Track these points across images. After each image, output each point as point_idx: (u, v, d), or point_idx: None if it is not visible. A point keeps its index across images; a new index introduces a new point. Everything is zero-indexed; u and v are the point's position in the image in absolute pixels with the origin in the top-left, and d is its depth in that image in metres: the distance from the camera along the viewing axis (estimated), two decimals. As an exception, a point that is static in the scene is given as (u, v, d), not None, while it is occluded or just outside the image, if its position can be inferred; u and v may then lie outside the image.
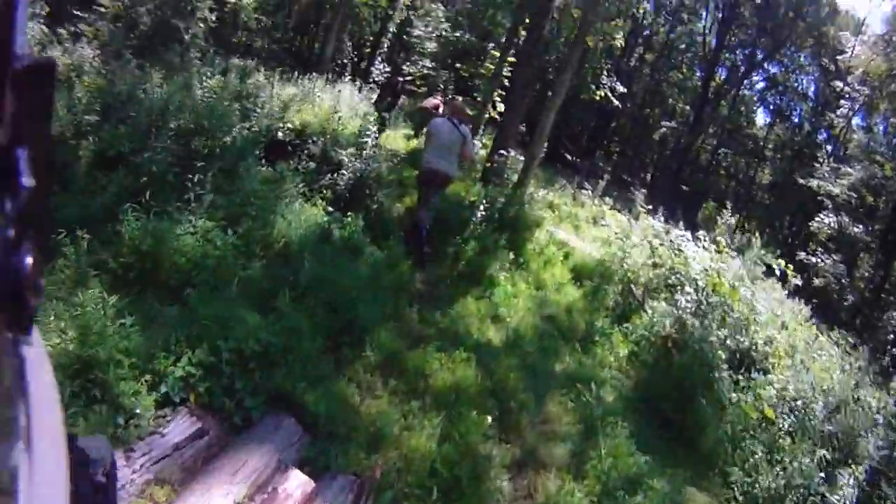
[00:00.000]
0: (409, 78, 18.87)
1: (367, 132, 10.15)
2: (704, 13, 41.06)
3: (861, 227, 27.26)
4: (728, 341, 8.39)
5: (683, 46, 41.83)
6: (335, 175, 9.25)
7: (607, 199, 20.02)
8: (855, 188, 28.32)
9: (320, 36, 27.98)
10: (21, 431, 0.64)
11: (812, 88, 40.46)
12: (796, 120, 41.44)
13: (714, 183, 44.15)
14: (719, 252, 10.39)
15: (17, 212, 0.61)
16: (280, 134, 10.21)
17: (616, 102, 18.76)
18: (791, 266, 12.26)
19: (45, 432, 0.70)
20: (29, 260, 0.62)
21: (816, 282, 24.93)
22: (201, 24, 16.96)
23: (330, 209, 8.45)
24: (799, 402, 7.83)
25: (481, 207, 10.06)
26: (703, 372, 7.62)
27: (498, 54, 19.03)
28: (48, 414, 0.75)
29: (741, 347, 8.74)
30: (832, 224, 26.89)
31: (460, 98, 11.29)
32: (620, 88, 19.03)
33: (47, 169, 0.75)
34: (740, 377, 7.99)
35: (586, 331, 8.82)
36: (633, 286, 10.22)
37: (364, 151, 9.77)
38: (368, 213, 8.90)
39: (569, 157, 34.35)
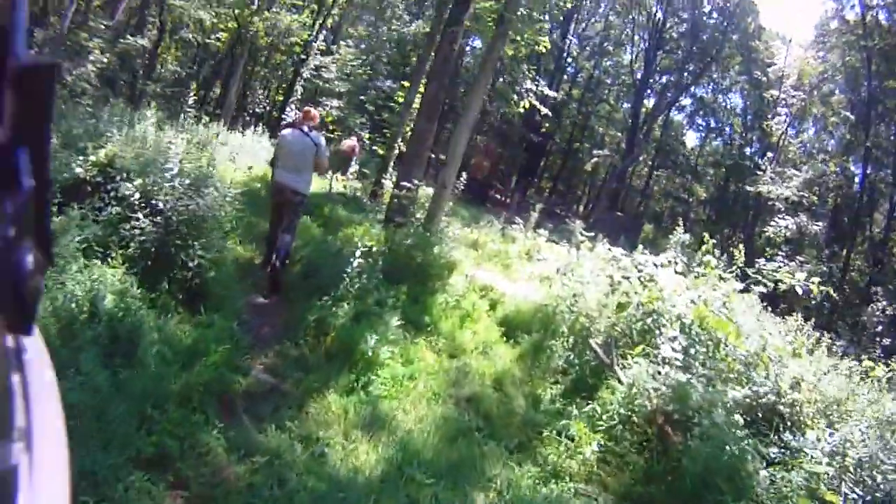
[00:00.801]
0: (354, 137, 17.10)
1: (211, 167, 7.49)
2: (629, 45, 40.72)
3: (820, 223, 26.56)
4: (746, 399, 5.52)
5: (609, 80, 41.44)
6: (137, 222, 6.04)
7: (542, 230, 17.00)
8: (804, 188, 27.73)
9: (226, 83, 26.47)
10: (21, 431, 0.64)
11: (740, 105, 40.41)
12: (727, 135, 41.47)
13: (648, 206, 43.71)
14: (703, 275, 7.50)
15: (17, 212, 0.59)
16: (79, 170, 6.78)
17: (545, 110, 15.89)
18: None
19: (45, 432, 0.69)
20: (29, 260, 0.61)
21: (783, 286, 22.38)
22: (90, 66, 16.50)
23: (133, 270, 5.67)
24: (866, 466, 4.83)
25: (356, 254, 7.05)
26: (723, 461, 4.58)
27: (408, 84, 16.75)
28: (48, 414, 0.73)
29: (762, 403, 5.80)
30: (790, 226, 25.38)
31: (314, 109, 8.82)
32: (550, 93, 16.22)
33: (47, 169, 0.68)
34: (773, 451, 5.05)
35: (528, 416, 5.70)
36: (591, 339, 6.97)
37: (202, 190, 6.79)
38: (179, 275, 6.05)
39: (499, 196, 31.94)
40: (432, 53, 12.93)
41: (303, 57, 25.72)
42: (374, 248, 7.84)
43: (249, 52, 24.91)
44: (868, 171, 28.98)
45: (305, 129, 7.78)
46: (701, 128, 43.27)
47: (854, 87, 30.65)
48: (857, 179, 30.19)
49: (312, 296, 6.82)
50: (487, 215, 19.58)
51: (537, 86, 15.27)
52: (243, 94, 28.88)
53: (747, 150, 38.23)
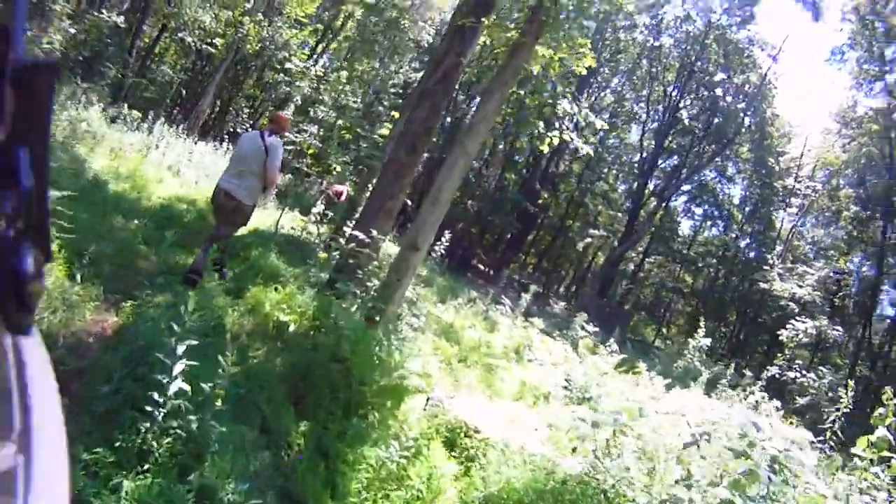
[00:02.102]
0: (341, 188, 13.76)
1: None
2: (637, 123, 38.33)
3: (840, 330, 23.75)
4: None
5: (610, 158, 38.35)
6: None
7: (533, 319, 13.29)
8: (819, 287, 25.92)
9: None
10: (20, 432, 0.63)
11: (738, 195, 38.35)
12: (721, 226, 39.27)
13: (633, 292, 40.87)
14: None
15: (17, 211, 0.60)
16: None
17: (579, 144, 12.32)
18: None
19: (45, 432, 0.67)
20: (29, 260, 0.61)
21: (801, 401, 19.68)
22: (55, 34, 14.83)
23: None
24: None
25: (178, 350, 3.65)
26: None
27: (398, 114, 13.72)
28: (48, 414, 0.70)
29: None
30: (809, 330, 22.10)
31: (285, 114, 7.97)
32: (597, 122, 12.64)
33: (47, 169, 0.67)
34: None
35: None
36: None
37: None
38: None
39: (482, 267, 28.35)
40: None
41: (297, 83, 23.22)
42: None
43: (239, 62, 23.92)
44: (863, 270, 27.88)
45: (266, 132, 6.69)
46: (697, 216, 40.75)
47: (862, 182, 29.26)
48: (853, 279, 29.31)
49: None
50: (468, 288, 15.86)
51: (578, 110, 11.37)
52: (226, 109, 26.98)
53: (742, 243, 36.64)
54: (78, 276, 5.06)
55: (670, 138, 35.28)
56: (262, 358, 5.50)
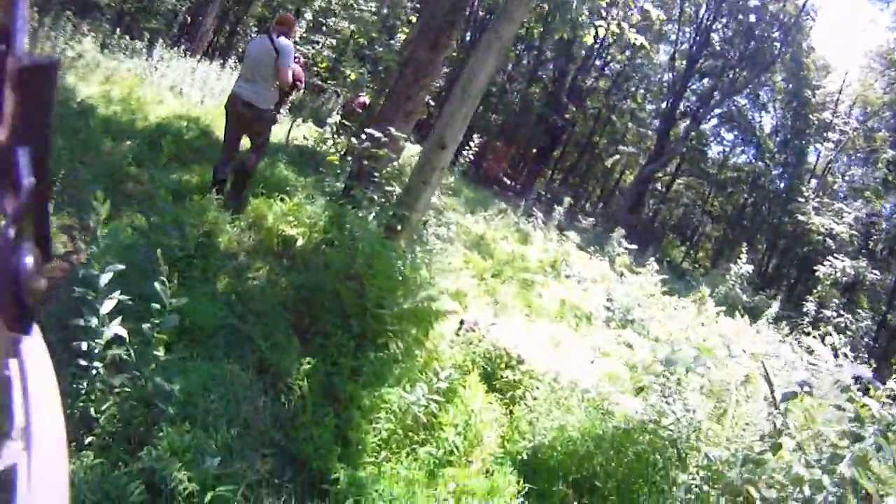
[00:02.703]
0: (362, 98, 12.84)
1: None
2: (668, 42, 35.82)
3: (878, 273, 22.45)
4: None
5: (638, 77, 36.95)
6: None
7: (570, 233, 12.25)
8: (856, 227, 24.59)
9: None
10: (20, 430, 0.63)
11: (772, 125, 36.16)
12: (752, 154, 37.22)
13: (660, 212, 39.77)
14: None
15: (17, 211, 0.59)
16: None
17: (631, 35, 11.20)
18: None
19: (45, 431, 0.67)
20: (29, 259, 0.59)
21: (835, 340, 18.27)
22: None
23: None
24: None
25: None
26: None
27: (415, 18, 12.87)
28: (48, 414, 0.71)
29: None
30: (847, 269, 20.79)
31: (290, 15, 7.23)
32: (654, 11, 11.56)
33: (47, 169, 0.65)
34: None
35: None
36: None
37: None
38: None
39: (508, 181, 27.28)
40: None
41: None
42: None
43: None
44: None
45: (275, 34, 6.21)
46: (727, 141, 38.75)
47: None
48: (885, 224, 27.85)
49: None
50: (497, 200, 14.83)
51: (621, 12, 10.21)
52: (234, 30, 25.77)
53: (774, 173, 34.86)
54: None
55: (702, 60, 33.38)
56: (265, 279, 4.58)
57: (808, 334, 9.05)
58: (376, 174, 6.14)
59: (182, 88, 12.58)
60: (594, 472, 3.46)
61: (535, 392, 3.99)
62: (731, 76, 32.36)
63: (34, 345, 0.71)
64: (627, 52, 34.91)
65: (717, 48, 32.60)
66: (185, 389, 3.01)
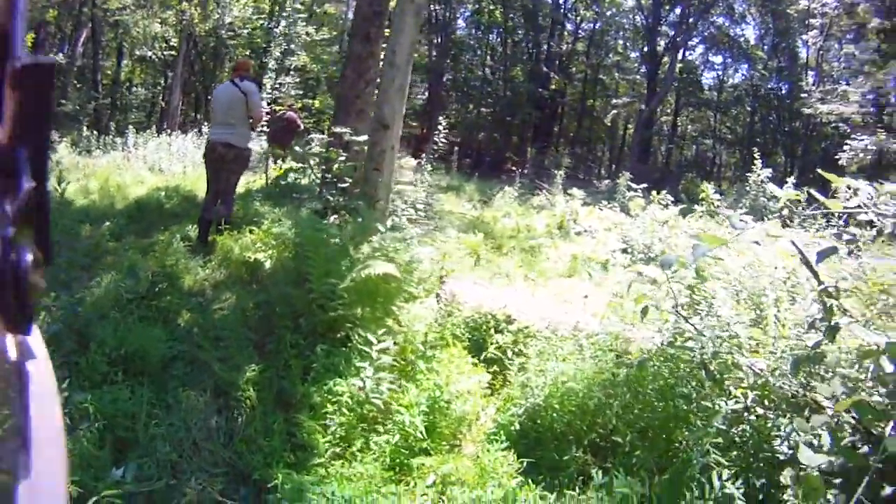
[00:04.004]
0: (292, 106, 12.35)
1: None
2: None
3: None
4: None
5: (613, 30, 36.39)
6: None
7: (575, 191, 11.71)
8: (866, 104, 23.34)
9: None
10: (20, 431, 0.62)
11: (755, 35, 35.86)
12: (746, 69, 36.47)
13: (673, 153, 38.92)
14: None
15: (17, 211, 0.57)
16: None
17: None
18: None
19: (45, 432, 0.65)
20: (29, 259, 0.58)
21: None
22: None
23: None
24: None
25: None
26: None
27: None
28: (48, 414, 0.68)
29: None
30: (869, 146, 19.92)
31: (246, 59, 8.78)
32: None
33: (47, 169, 0.64)
34: None
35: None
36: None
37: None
38: None
39: (515, 169, 27.01)
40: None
41: (264, 46, 22.12)
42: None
43: (202, 52, 23.49)
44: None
45: (238, 79, 6.60)
46: (717, 65, 38.14)
47: None
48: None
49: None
50: (501, 186, 14.44)
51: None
52: (202, 101, 26.18)
53: (772, 81, 34.13)
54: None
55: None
56: (232, 307, 4.24)
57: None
58: (328, 175, 5.94)
59: (161, 166, 12.79)
60: (614, 428, 2.94)
61: (529, 349, 3.47)
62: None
63: (34, 345, 0.67)
64: (595, 8, 34.60)
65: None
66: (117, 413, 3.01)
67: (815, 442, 2.39)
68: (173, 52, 22.74)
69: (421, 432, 2.89)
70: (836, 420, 2.48)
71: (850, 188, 2.81)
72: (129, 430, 2.97)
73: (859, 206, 2.74)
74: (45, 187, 0.61)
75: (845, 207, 2.84)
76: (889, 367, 2.41)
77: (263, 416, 3.21)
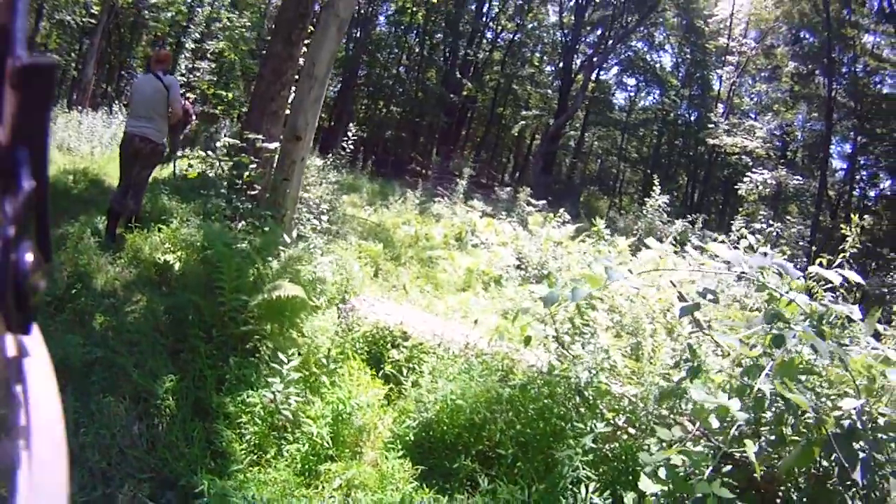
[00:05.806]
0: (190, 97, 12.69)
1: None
2: (552, 4, 36.17)
3: (801, 177, 22.90)
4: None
5: (531, 42, 37.16)
6: None
7: (475, 202, 12.14)
8: (770, 140, 25.01)
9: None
10: (20, 430, 0.63)
11: (671, 62, 37.00)
12: (658, 94, 37.75)
13: (577, 168, 40.21)
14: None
15: (17, 211, 0.58)
16: None
17: None
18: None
19: (44, 431, 0.66)
20: (29, 259, 0.59)
21: (751, 241, 18.75)
22: None
23: None
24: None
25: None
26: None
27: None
28: (48, 412, 0.69)
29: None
30: (768, 180, 21.20)
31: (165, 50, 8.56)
32: None
33: (47, 169, 0.64)
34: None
35: None
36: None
37: None
38: None
39: (420, 170, 27.24)
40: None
41: (185, 25, 21.52)
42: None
43: (122, 24, 22.81)
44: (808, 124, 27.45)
45: (159, 72, 6.56)
46: (630, 87, 39.33)
47: (797, 39, 28.10)
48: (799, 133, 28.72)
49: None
50: (401, 189, 14.64)
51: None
52: (116, 75, 25.54)
53: (682, 107, 35.61)
54: None
55: (590, 11, 33.80)
56: (143, 310, 4.37)
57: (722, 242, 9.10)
58: (238, 181, 6.03)
59: (69, 144, 12.20)
60: (499, 441, 3.34)
61: (424, 366, 3.86)
62: (621, 23, 32.76)
63: (34, 345, 0.70)
64: (517, 20, 35.29)
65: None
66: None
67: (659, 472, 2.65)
68: (93, 21, 21.71)
69: (327, 441, 3.18)
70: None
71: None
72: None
73: (728, 262, 3.19)
74: (45, 187, 0.62)
75: (722, 259, 3.32)
76: (716, 424, 2.76)
77: (182, 423, 3.35)
